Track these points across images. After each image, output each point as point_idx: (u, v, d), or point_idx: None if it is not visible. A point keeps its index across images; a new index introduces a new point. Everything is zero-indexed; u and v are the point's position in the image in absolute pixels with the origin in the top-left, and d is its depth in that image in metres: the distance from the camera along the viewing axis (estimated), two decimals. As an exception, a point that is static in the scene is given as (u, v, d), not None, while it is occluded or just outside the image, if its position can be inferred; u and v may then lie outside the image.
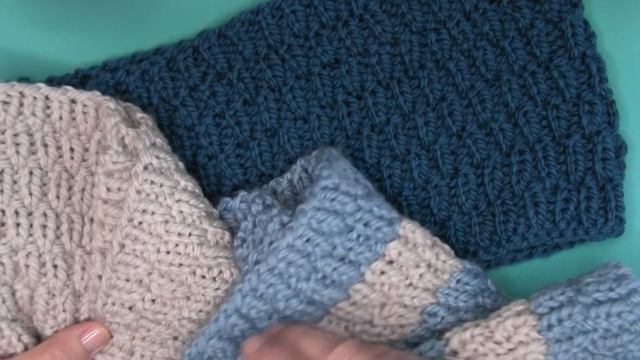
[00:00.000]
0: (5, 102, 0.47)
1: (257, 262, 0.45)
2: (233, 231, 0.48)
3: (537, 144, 0.48)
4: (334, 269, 0.44)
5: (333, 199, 0.44)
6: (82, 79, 0.51)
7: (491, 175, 0.49)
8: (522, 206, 0.48)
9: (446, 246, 0.47)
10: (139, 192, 0.45)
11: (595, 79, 0.47)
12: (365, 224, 0.44)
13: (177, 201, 0.46)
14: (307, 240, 0.44)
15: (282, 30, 0.50)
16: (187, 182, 0.46)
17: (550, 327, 0.43)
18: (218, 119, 0.50)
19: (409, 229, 0.45)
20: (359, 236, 0.44)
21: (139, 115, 0.48)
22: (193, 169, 0.51)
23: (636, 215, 0.50)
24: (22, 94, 0.47)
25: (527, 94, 0.48)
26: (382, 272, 0.45)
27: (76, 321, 0.48)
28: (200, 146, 0.50)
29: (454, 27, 0.49)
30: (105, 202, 0.46)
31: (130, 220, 0.45)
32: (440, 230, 0.49)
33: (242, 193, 0.48)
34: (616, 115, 0.48)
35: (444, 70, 0.49)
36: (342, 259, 0.45)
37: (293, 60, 0.50)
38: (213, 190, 0.51)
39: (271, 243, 0.45)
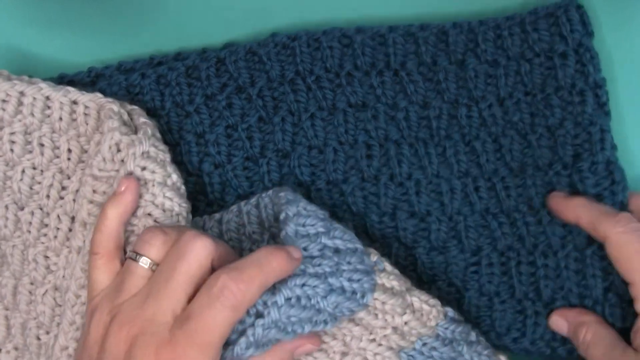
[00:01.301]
0: (4, 101, 0.47)
1: None
2: None
3: (561, 250, 0.47)
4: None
5: (304, 284, 0.42)
6: (94, 78, 0.50)
7: (518, 268, 0.47)
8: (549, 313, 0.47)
9: (425, 305, 0.46)
10: None
11: (619, 186, 0.46)
12: (336, 306, 0.43)
13: (147, 214, 0.44)
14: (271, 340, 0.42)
15: (314, 61, 0.48)
16: (164, 200, 0.44)
17: None
18: (230, 131, 0.49)
19: (381, 299, 0.45)
20: (328, 315, 0.43)
21: (142, 120, 0.47)
22: (198, 174, 0.50)
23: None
24: (22, 94, 0.47)
25: (550, 191, 0.47)
26: (344, 327, 0.45)
27: (54, 316, 0.49)
28: (207, 154, 0.49)
29: (485, 108, 0.48)
30: (90, 202, 0.46)
31: None
32: (456, 293, 0.48)
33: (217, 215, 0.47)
34: None
35: (470, 147, 0.48)
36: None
37: (319, 91, 0.48)
38: (217, 198, 0.50)
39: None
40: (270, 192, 0.46)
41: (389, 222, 0.48)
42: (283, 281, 0.42)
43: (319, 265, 0.43)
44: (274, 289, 0.42)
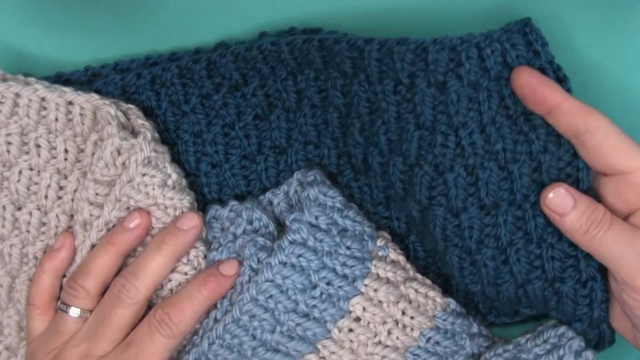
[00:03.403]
0: (0, 102, 0.47)
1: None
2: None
3: (527, 284, 0.43)
4: (298, 324, 0.45)
5: (300, 255, 0.45)
6: (91, 77, 0.50)
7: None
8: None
9: (420, 298, 0.46)
10: (118, 200, 0.45)
11: None
12: (328, 283, 0.45)
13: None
14: (270, 297, 0.44)
15: (301, 65, 0.47)
16: (164, 200, 0.46)
17: None
18: (227, 129, 0.49)
19: (372, 287, 0.46)
20: (321, 294, 0.45)
21: (139, 121, 0.47)
22: (195, 174, 0.50)
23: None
24: (17, 95, 0.47)
25: (522, 228, 0.43)
26: (350, 330, 0.46)
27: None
28: (205, 153, 0.49)
29: (465, 137, 0.42)
30: (91, 203, 0.46)
31: (107, 224, 0.46)
32: (444, 283, 0.48)
33: (232, 202, 0.48)
34: None
35: (442, 178, 0.43)
36: (305, 315, 0.45)
37: (310, 89, 0.48)
38: (214, 198, 0.50)
39: (242, 285, 0.46)
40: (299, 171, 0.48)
41: (383, 211, 0.48)
42: (280, 247, 0.44)
43: (320, 241, 0.45)
44: (271, 251, 0.45)
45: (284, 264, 0.44)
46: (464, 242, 0.44)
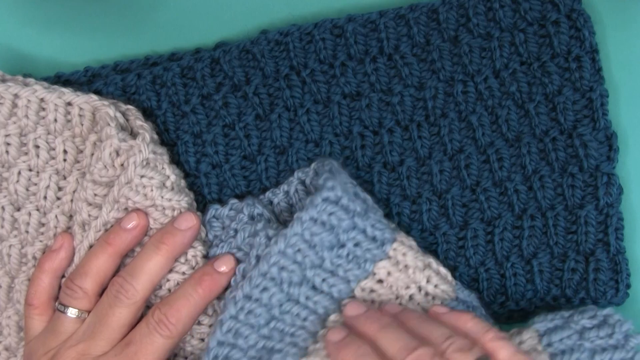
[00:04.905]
0: None
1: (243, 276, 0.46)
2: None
3: (550, 211, 0.48)
4: (323, 279, 0.45)
5: (331, 213, 0.44)
6: (91, 78, 0.50)
7: (501, 235, 0.48)
8: (529, 271, 0.48)
9: (442, 269, 0.46)
10: (116, 201, 0.45)
11: (616, 152, 0.48)
12: (356, 244, 0.45)
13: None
14: (298, 250, 0.44)
15: (307, 55, 0.49)
16: (162, 202, 0.46)
17: None
18: (227, 130, 0.49)
19: (400, 251, 0.46)
20: (348, 254, 0.45)
21: (138, 122, 0.47)
22: (195, 175, 0.50)
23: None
24: (16, 96, 0.47)
25: (545, 158, 0.48)
26: (372, 290, 0.46)
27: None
28: (205, 154, 0.49)
29: (481, 82, 0.48)
30: (90, 204, 0.46)
31: (105, 224, 0.46)
32: None
33: (232, 201, 0.48)
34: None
35: (466, 122, 0.49)
36: (331, 271, 0.45)
37: (314, 84, 0.49)
38: (214, 199, 0.50)
39: (257, 257, 0.45)
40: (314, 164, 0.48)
41: (383, 208, 0.48)
42: (312, 203, 0.44)
43: (353, 201, 0.44)
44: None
45: (314, 220, 0.44)
46: (494, 175, 0.48)
